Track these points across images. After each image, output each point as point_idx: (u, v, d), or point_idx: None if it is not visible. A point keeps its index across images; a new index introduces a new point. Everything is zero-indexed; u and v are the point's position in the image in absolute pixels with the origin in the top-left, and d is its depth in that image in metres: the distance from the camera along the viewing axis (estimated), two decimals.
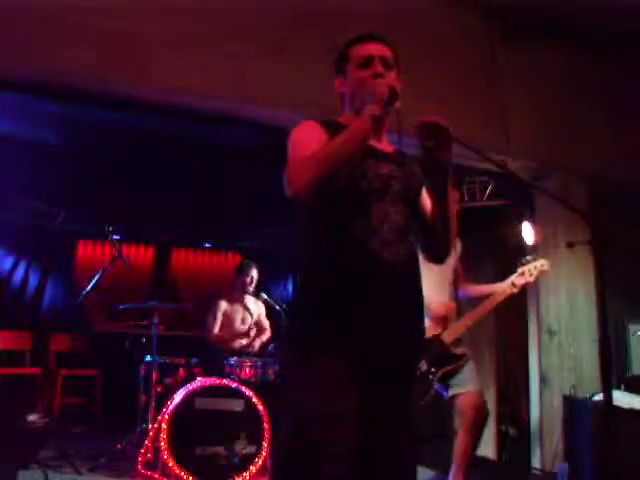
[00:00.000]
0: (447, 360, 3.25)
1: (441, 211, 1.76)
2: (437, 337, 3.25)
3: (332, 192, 1.58)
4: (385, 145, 1.81)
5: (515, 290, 3.34)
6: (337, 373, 1.55)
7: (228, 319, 4.96)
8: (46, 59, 3.12)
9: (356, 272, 1.62)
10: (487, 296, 3.45)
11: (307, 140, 1.68)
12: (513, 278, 3.35)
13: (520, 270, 3.36)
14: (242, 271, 5.02)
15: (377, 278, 1.62)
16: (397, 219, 1.69)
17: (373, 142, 1.73)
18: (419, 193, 1.83)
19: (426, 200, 1.86)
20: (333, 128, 1.71)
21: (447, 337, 3.26)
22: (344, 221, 1.64)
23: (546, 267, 3.40)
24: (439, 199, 1.75)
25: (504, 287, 3.36)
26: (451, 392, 3.27)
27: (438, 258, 1.92)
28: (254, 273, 4.99)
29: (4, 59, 3.06)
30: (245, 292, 5.02)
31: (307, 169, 1.56)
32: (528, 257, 3.43)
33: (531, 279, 3.37)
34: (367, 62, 1.76)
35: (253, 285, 5.02)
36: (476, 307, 3.41)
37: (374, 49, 1.78)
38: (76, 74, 3.21)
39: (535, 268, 3.36)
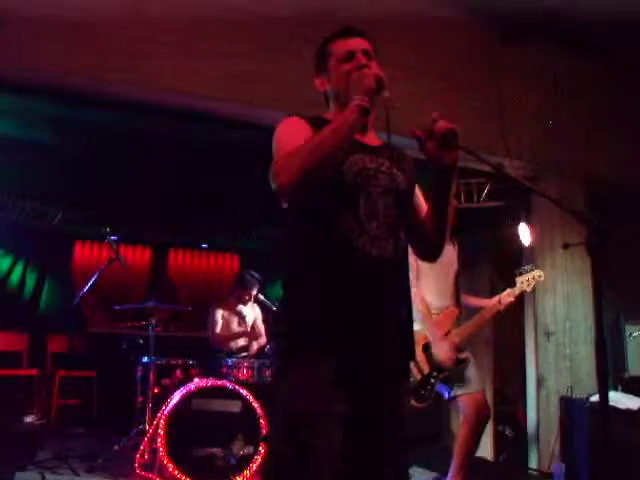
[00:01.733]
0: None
1: (440, 213, 1.73)
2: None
3: (317, 187, 1.56)
4: (371, 139, 1.78)
5: (502, 308, 3.37)
6: (325, 374, 1.54)
7: (226, 323, 4.98)
8: (45, 61, 3.12)
9: (344, 270, 1.60)
10: (475, 308, 3.49)
11: (292, 135, 1.65)
12: (504, 294, 3.38)
13: (518, 280, 3.38)
14: (244, 286, 4.97)
15: (365, 275, 1.60)
16: (385, 214, 1.66)
17: (358, 136, 1.70)
18: (410, 188, 1.79)
19: (419, 198, 1.84)
20: (318, 124, 1.69)
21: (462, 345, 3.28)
22: (330, 218, 1.62)
23: (542, 277, 3.42)
24: (440, 201, 1.72)
25: (494, 303, 3.38)
26: (454, 393, 3.28)
27: (428, 257, 1.89)
28: (255, 291, 4.96)
29: (3, 61, 3.06)
30: (241, 303, 5.03)
31: (294, 161, 1.52)
32: (526, 267, 3.45)
33: (528, 289, 3.40)
34: (349, 57, 1.74)
35: (251, 301, 5.02)
36: (472, 318, 3.43)
37: (355, 44, 1.76)
38: (75, 75, 3.21)
39: (533, 278, 3.38)
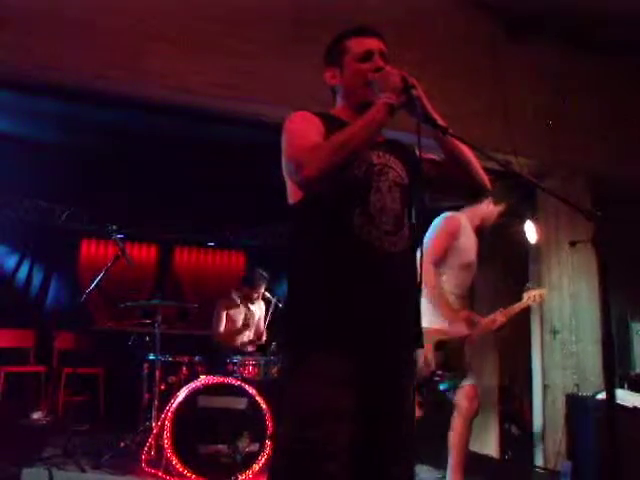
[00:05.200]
0: (457, 368, 3.26)
1: (451, 149, 1.74)
2: (460, 344, 3.25)
3: (336, 181, 1.58)
4: None
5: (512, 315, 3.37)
6: (335, 370, 1.55)
7: (231, 321, 4.98)
8: (47, 59, 3.13)
9: (355, 265, 1.61)
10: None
11: (308, 128, 1.68)
12: (511, 308, 3.37)
13: (525, 295, 3.41)
14: (252, 284, 4.98)
15: (378, 269, 1.62)
16: (394, 208, 1.69)
17: None
18: (414, 182, 1.81)
19: (430, 160, 1.84)
20: (328, 120, 1.72)
21: (467, 348, 3.27)
22: (341, 213, 1.64)
23: (545, 296, 3.51)
24: (442, 141, 1.74)
25: (492, 320, 3.34)
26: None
27: (481, 191, 1.84)
28: (262, 289, 4.97)
29: (5, 59, 3.07)
30: (249, 302, 5.02)
31: (321, 154, 1.55)
32: (529, 284, 3.50)
33: (534, 304, 3.46)
34: (367, 56, 1.75)
35: (259, 299, 5.02)
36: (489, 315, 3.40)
37: (373, 44, 1.77)
38: (78, 74, 3.22)
39: (540, 296, 3.43)
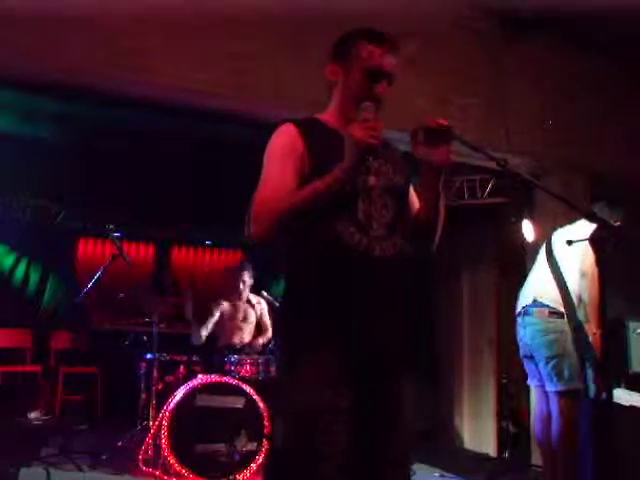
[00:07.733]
0: None
1: (431, 209, 1.74)
2: None
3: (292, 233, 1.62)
4: None
5: None
6: (329, 372, 1.55)
7: (230, 316, 4.95)
8: (47, 57, 3.12)
9: (344, 270, 1.61)
10: None
11: (283, 165, 1.64)
12: None
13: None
14: (233, 275, 4.82)
15: (368, 275, 1.62)
16: (385, 214, 1.68)
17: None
18: (406, 187, 1.80)
19: (413, 196, 1.83)
20: (311, 131, 1.68)
21: None
22: (332, 220, 1.63)
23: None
24: (431, 198, 1.72)
25: None
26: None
27: (420, 252, 1.84)
28: (246, 277, 4.77)
29: (6, 58, 3.06)
30: (239, 298, 4.92)
31: (271, 212, 1.59)
32: None
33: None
34: (376, 76, 1.66)
35: (247, 290, 4.87)
36: None
37: (387, 62, 1.67)
38: (77, 72, 3.21)
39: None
